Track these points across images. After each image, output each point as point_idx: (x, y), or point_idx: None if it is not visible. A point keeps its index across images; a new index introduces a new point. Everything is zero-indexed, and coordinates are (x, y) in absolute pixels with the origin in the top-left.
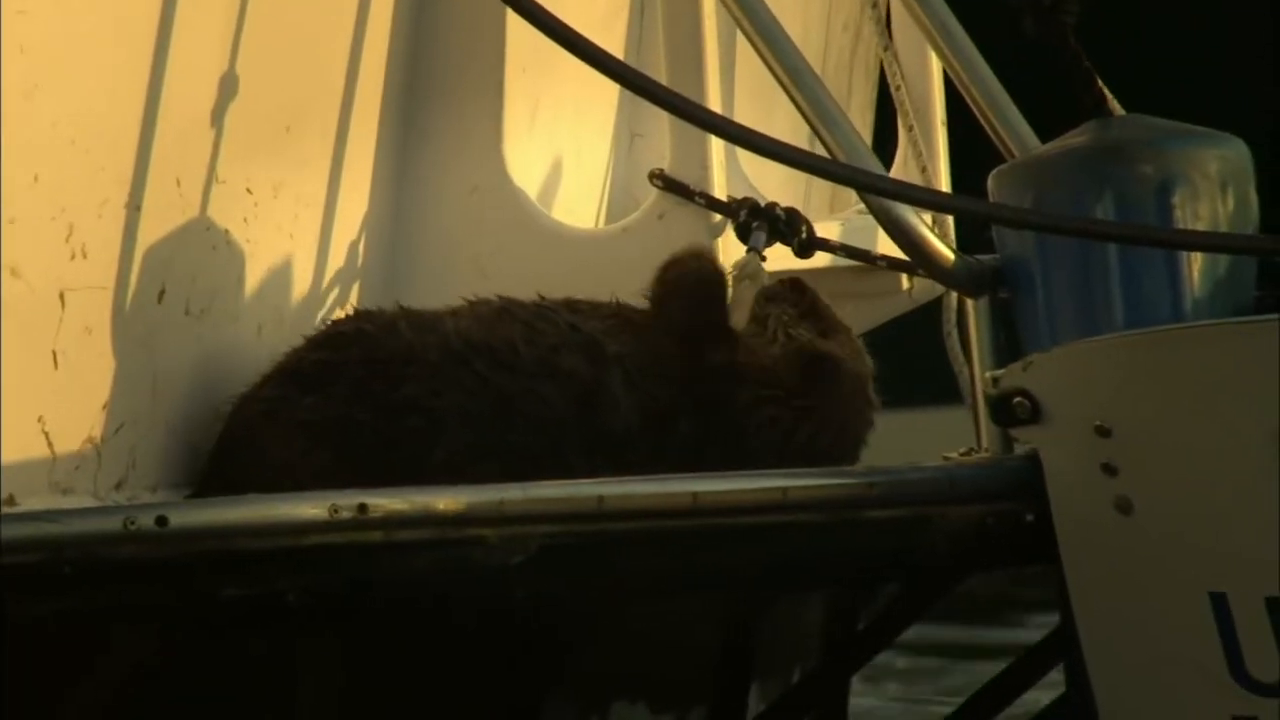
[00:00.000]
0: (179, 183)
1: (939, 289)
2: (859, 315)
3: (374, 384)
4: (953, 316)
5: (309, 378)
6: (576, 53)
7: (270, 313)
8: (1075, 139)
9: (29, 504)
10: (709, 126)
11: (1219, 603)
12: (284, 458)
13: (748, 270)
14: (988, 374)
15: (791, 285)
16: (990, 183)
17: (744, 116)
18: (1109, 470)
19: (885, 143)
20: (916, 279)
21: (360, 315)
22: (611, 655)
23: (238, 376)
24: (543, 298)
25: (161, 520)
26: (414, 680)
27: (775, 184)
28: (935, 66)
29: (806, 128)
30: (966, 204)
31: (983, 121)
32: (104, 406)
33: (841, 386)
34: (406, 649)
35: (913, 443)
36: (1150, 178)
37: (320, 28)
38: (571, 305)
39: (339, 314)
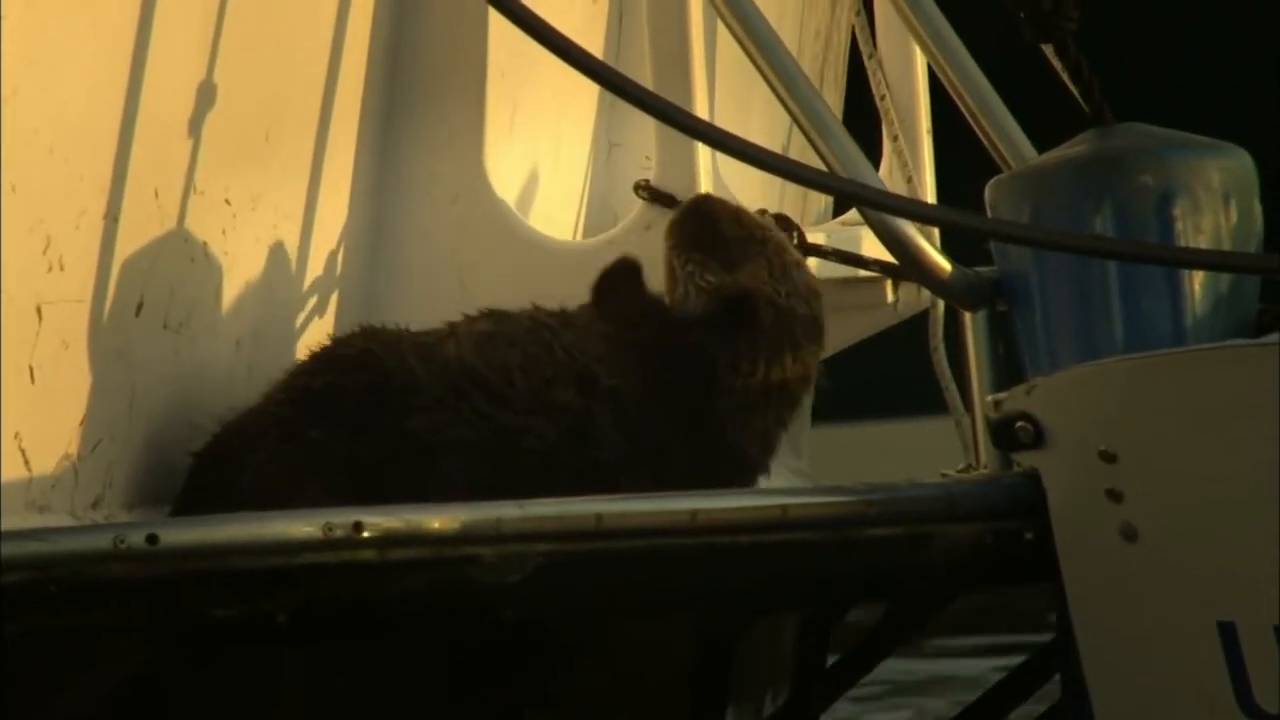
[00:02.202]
0: (157, 194)
1: (925, 302)
2: (843, 329)
3: (382, 416)
4: (939, 330)
5: (319, 402)
6: (571, 62)
7: (249, 326)
8: (1074, 149)
9: (6, 523)
10: (705, 138)
11: (1227, 632)
12: (283, 486)
13: None
14: (989, 397)
15: (690, 217)
16: (988, 194)
17: (722, 118)
18: (1114, 496)
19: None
20: (902, 291)
21: (367, 334)
22: (590, 675)
23: (216, 392)
24: (536, 308)
25: (152, 539)
26: (395, 698)
27: (753, 191)
28: (920, 73)
29: (782, 129)
30: (968, 220)
31: (977, 130)
32: (81, 423)
33: (762, 322)
34: (391, 666)
35: (898, 453)
36: (1151, 189)
37: (299, 35)
38: (568, 320)
39: (319, 324)
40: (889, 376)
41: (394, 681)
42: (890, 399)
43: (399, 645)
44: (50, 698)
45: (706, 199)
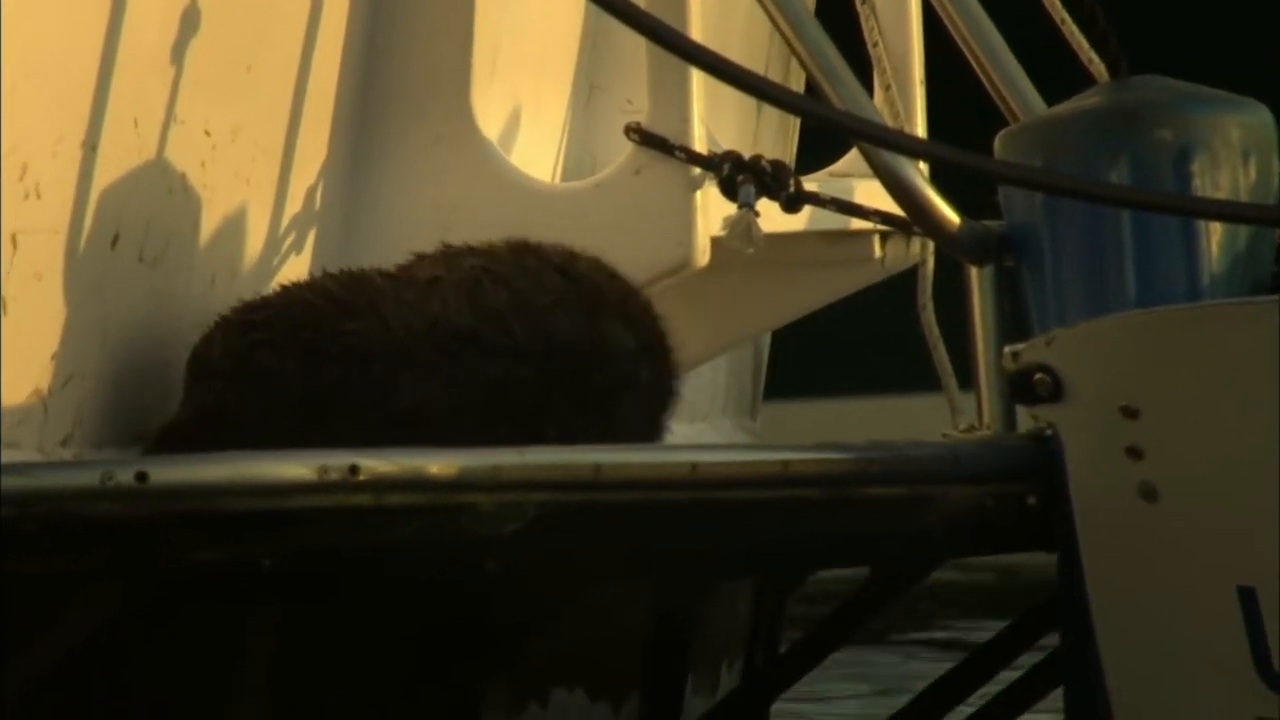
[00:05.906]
0: (136, 123)
1: (913, 258)
2: (826, 285)
3: (362, 393)
4: (929, 288)
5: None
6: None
7: (224, 262)
8: (1088, 100)
9: None
10: (704, 64)
11: (1247, 597)
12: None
13: (739, 230)
14: (1007, 348)
15: None
16: (997, 146)
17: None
18: (1134, 454)
19: None
20: (890, 246)
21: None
22: (557, 639)
23: (190, 330)
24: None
25: (141, 476)
26: (355, 656)
27: (729, 136)
28: (915, 19)
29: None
30: (982, 162)
31: (983, 79)
32: (52, 357)
33: None
34: (354, 623)
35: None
36: (1169, 143)
37: None
38: (566, 267)
39: (296, 261)
40: (865, 349)
41: (356, 637)
42: (860, 375)
43: (380, 598)
44: (24, 644)
45: None
